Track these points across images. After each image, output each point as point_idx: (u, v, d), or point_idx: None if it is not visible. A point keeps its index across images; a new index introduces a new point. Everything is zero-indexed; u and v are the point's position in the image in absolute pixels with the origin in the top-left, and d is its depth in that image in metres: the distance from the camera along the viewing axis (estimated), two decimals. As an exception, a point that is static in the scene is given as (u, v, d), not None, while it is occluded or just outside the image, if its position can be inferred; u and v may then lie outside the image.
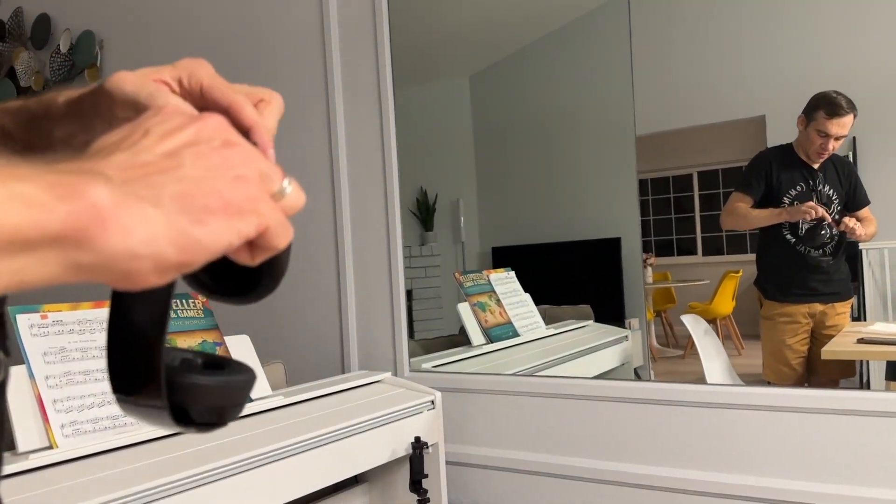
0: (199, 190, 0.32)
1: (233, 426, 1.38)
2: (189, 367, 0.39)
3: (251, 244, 0.35)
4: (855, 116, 1.62)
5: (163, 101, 0.41)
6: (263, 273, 0.39)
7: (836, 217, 1.68)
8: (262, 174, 0.36)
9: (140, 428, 1.29)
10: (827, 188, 1.69)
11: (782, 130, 1.74)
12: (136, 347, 0.36)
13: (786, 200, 1.73)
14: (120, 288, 0.32)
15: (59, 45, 2.79)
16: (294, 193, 0.38)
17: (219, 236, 0.32)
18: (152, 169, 0.32)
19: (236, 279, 0.39)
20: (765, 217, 1.75)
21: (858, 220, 1.65)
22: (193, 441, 1.29)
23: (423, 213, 2.35)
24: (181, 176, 0.33)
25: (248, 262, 0.36)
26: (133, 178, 0.31)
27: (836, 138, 1.65)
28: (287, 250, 0.38)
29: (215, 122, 0.36)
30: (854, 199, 1.66)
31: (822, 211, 1.67)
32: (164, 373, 0.36)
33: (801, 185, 1.71)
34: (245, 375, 0.40)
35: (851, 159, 1.67)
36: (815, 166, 1.69)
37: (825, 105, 1.63)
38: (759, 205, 1.76)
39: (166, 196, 0.31)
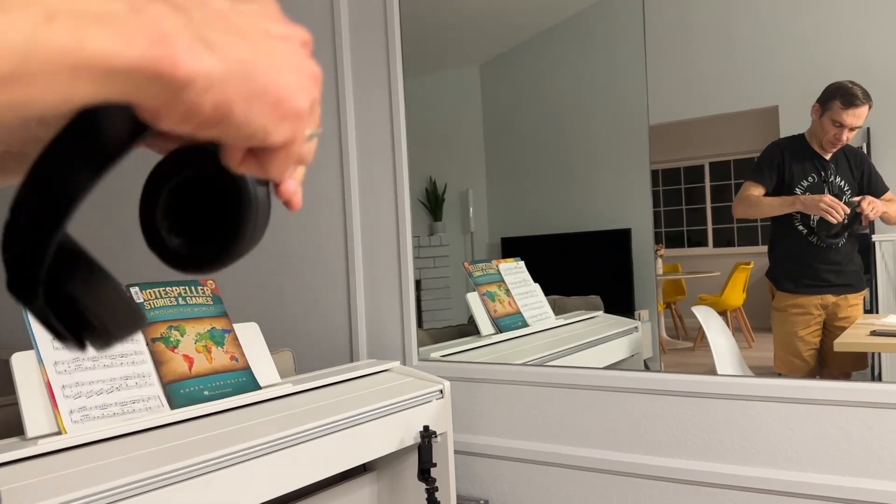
0: (266, 73, 0.32)
1: (242, 413, 1.37)
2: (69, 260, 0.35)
3: (253, 153, 0.35)
4: (870, 107, 1.60)
5: None
6: (238, 228, 0.37)
7: (848, 205, 1.66)
8: (314, 103, 0.36)
9: (149, 415, 1.29)
10: (838, 179, 1.67)
11: (795, 121, 1.72)
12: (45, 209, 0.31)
13: (798, 191, 1.71)
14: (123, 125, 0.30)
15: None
16: (313, 145, 0.38)
17: (254, 124, 0.32)
18: (237, 28, 0.32)
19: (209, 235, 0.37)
20: (778, 205, 1.73)
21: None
22: (202, 428, 1.29)
23: (432, 203, 2.34)
24: (260, 51, 0.32)
25: (237, 165, 0.35)
26: (213, 25, 0.31)
27: (851, 129, 1.63)
28: (265, 214, 0.37)
29: (307, 36, 0.36)
30: (871, 187, 1.64)
31: (839, 208, 1.65)
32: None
33: (812, 176, 1.70)
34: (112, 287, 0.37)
35: (865, 150, 1.65)
36: (827, 157, 1.68)
37: (841, 95, 1.61)
38: (770, 195, 1.75)
39: (236, 57, 0.31)
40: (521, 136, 2.22)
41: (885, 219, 1.64)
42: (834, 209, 1.66)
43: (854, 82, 1.61)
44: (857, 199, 1.65)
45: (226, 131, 0.32)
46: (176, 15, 0.29)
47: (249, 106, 0.32)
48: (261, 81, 0.32)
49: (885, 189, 1.63)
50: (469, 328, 2.09)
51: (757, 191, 1.77)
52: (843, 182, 1.67)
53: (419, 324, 2.13)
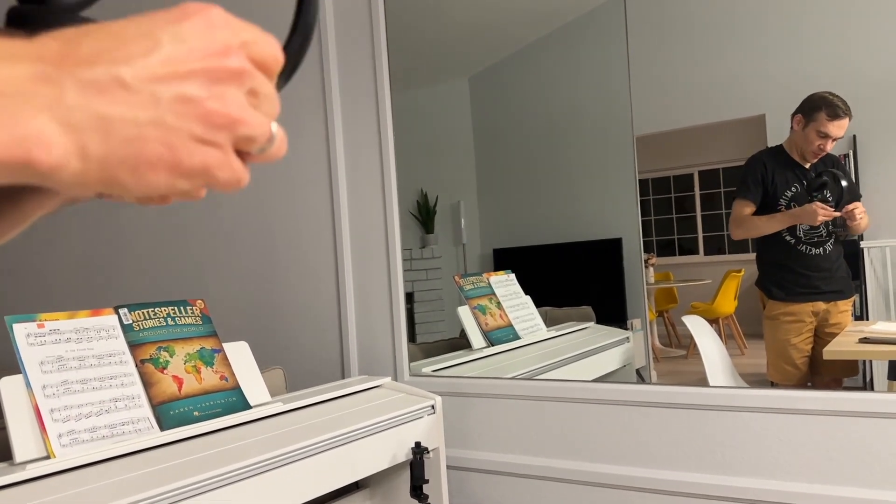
0: (157, 142, 0.31)
1: (232, 433, 1.37)
2: None
3: None
4: (850, 119, 1.62)
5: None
6: None
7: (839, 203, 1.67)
8: (245, 138, 0.34)
9: (139, 437, 1.28)
10: (832, 171, 1.69)
11: (782, 129, 1.73)
12: None
13: (782, 201, 1.72)
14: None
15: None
16: (277, 146, 0.37)
17: (148, 188, 0.32)
18: (127, 100, 0.31)
19: None
20: (776, 223, 1.75)
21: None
22: (192, 449, 1.29)
23: (423, 215, 2.34)
24: (152, 120, 0.31)
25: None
26: (101, 97, 0.30)
27: (834, 139, 1.65)
28: None
29: (241, 62, 0.34)
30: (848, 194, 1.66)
31: (832, 213, 1.67)
32: None
33: (795, 186, 1.71)
34: None
35: (851, 158, 1.66)
36: (807, 166, 1.69)
37: (827, 106, 1.63)
38: (759, 209, 1.76)
39: (120, 137, 0.31)
40: (511, 148, 2.23)
41: (854, 228, 1.65)
42: (827, 216, 1.67)
43: (835, 94, 1.62)
44: (850, 206, 1.66)
45: (123, 194, 0.32)
46: (47, 105, 0.29)
47: (139, 176, 0.31)
48: (150, 152, 0.31)
49: (859, 196, 1.64)
50: (461, 342, 2.08)
51: (748, 209, 1.78)
52: (825, 190, 1.68)
53: (412, 337, 2.13)
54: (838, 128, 1.64)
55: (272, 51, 0.37)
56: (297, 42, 0.39)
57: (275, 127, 0.36)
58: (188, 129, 0.32)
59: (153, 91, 0.31)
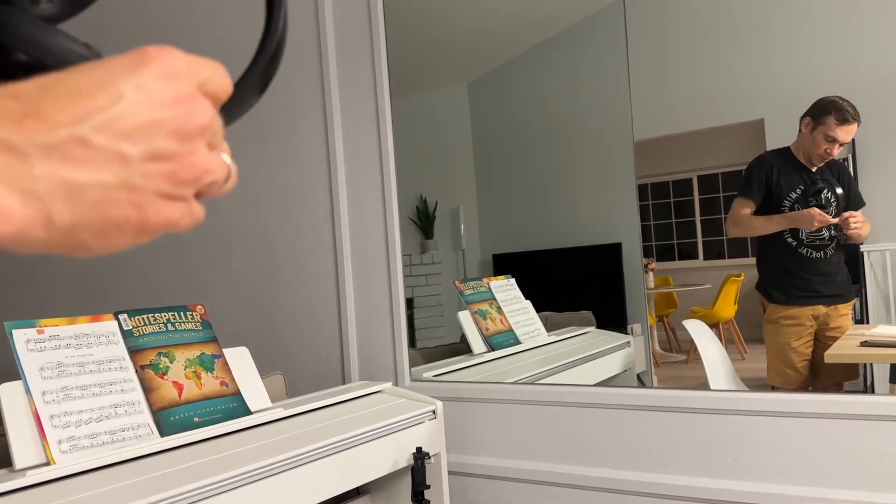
0: (122, 204, 0.31)
1: (233, 439, 1.36)
2: None
3: None
4: (858, 125, 1.62)
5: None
6: None
7: (837, 208, 1.68)
8: (209, 184, 0.35)
9: (139, 443, 1.28)
10: (826, 189, 1.69)
11: (781, 134, 1.73)
12: None
13: (786, 203, 1.72)
14: None
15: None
16: (232, 179, 0.37)
17: (112, 248, 0.32)
18: (93, 162, 0.30)
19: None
20: (772, 224, 1.75)
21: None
22: (193, 455, 1.28)
23: (423, 220, 2.34)
24: (120, 182, 0.30)
25: None
26: (67, 164, 0.29)
27: (842, 144, 1.65)
28: None
29: (207, 113, 0.34)
30: (849, 201, 1.66)
31: (828, 219, 1.67)
32: None
33: (800, 188, 1.71)
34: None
35: (851, 162, 1.67)
36: (813, 169, 1.69)
37: (836, 110, 1.63)
38: (760, 209, 1.76)
39: (87, 202, 0.30)
40: (511, 153, 2.23)
41: (855, 236, 1.66)
42: (824, 222, 1.68)
43: (844, 98, 1.62)
44: (845, 214, 1.66)
45: (84, 253, 0.31)
46: (10, 176, 0.28)
47: (105, 239, 0.31)
48: (117, 215, 0.31)
49: (862, 204, 1.64)
50: (462, 347, 2.08)
51: (747, 209, 1.78)
52: (829, 194, 1.68)
53: (412, 343, 2.13)
54: (847, 132, 1.64)
55: (225, 84, 0.36)
56: (253, 80, 0.39)
57: (229, 159, 0.36)
58: (156, 187, 0.31)
59: (120, 149, 0.31)
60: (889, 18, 1.58)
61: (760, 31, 1.75)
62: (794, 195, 1.71)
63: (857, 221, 1.64)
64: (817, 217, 1.68)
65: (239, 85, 0.37)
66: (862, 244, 1.66)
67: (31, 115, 0.29)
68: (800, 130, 1.70)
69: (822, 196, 1.68)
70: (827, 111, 1.64)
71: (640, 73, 1.91)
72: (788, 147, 1.73)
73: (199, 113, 0.33)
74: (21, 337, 1.26)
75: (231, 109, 0.37)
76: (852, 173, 1.67)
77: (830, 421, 1.51)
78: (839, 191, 1.67)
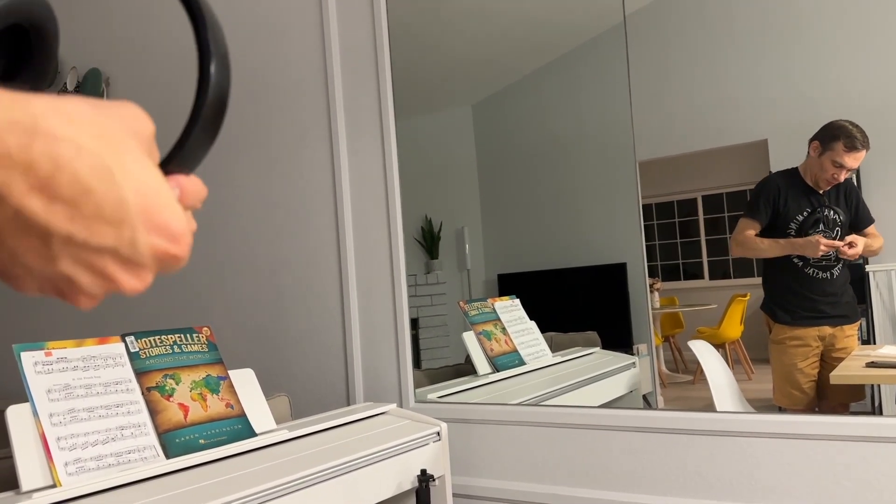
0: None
1: (238, 461, 1.37)
2: None
3: None
4: (867, 151, 1.62)
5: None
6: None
7: (842, 234, 1.68)
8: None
9: (145, 465, 1.28)
10: (832, 212, 1.69)
11: (785, 154, 1.74)
12: None
13: (793, 225, 1.72)
14: None
15: (66, 82, 2.84)
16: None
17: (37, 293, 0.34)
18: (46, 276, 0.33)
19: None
20: (778, 249, 1.75)
21: (865, 235, 1.65)
22: (198, 477, 1.29)
23: (428, 241, 2.35)
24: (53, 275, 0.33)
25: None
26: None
27: (849, 170, 1.65)
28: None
29: (179, 244, 0.35)
30: (858, 218, 1.66)
31: (833, 243, 1.67)
32: None
33: (807, 211, 1.71)
34: None
35: (855, 180, 1.67)
36: (820, 192, 1.70)
37: (845, 137, 1.63)
38: (766, 230, 1.76)
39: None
40: (515, 174, 2.25)
41: (866, 252, 1.65)
42: (829, 249, 1.68)
43: (855, 124, 1.62)
44: (839, 242, 1.66)
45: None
46: None
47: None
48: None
49: (871, 221, 1.64)
50: (466, 367, 2.08)
51: (752, 229, 1.78)
52: (836, 214, 1.68)
53: (417, 363, 2.13)
54: (855, 159, 1.64)
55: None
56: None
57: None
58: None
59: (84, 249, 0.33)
60: (891, 38, 1.59)
61: (762, 52, 1.77)
62: (800, 217, 1.72)
63: (857, 251, 1.64)
64: (822, 245, 1.68)
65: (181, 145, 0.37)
66: (867, 263, 1.66)
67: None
68: (808, 153, 1.70)
69: (824, 223, 1.68)
70: (836, 137, 1.64)
71: (643, 95, 1.93)
72: (796, 168, 1.73)
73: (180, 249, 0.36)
74: (29, 359, 1.27)
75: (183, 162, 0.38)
76: (863, 199, 1.67)
77: (837, 443, 1.50)
78: (842, 218, 1.67)
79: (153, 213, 0.33)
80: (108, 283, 0.33)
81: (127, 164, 0.32)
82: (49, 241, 0.31)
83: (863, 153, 1.63)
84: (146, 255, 0.33)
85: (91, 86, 2.77)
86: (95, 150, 0.31)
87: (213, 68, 0.37)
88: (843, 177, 1.66)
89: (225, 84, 0.38)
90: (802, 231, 1.71)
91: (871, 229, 1.65)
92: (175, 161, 0.37)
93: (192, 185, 0.37)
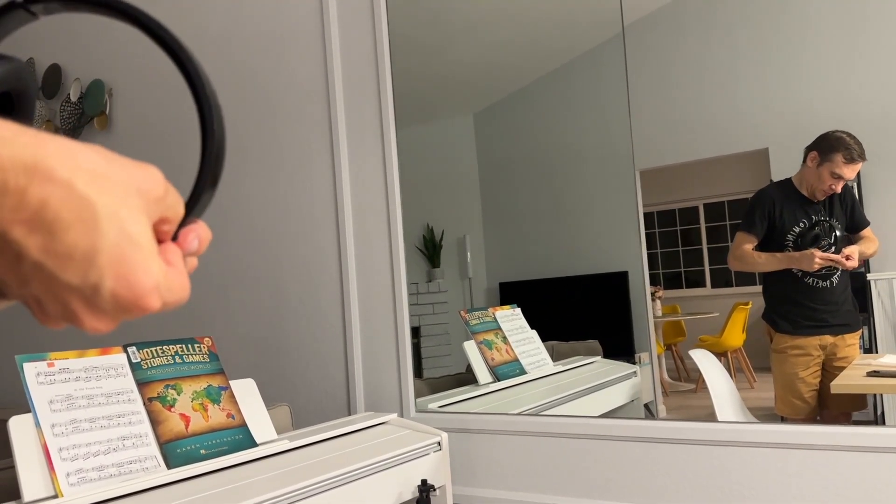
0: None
1: (239, 471, 1.37)
2: None
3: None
4: (864, 162, 1.63)
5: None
6: None
7: (840, 243, 1.68)
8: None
9: (146, 475, 1.29)
10: (828, 221, 1.69)
11: (786, 163, 1.74)
12: None
13: (790, 237, 1.73)
14: None
15: (69, 94, 2.85)
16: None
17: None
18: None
19: None
20: (775, 263, 1.75)
21: (861, 237, 1.65)
22: (199, 488, 1.29)
23: (429, 249, 2.36)
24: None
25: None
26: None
27: (846, 181, 1.66)
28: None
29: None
30: (854, 222, 1.67)
31: (829, 256, 1.67)
32: None
33: (804, 222, 1.71)
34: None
35: (856, 189, 1.67)
36: (816, 202, 1.70)
37: (844, 149, 1.63)
38: (763, 242, 1.76)
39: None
40: (517, 182, 2.25)
41: (863, 257, 1.66)
42: (825, 263, 1.68)
43: (852, 136, 1.63)
44: (835, 256, 1.67)
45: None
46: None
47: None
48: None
49: (867, 223, 1.65)
50: (467, 377, 2.08)
51: (749, 243, 1.79)
52: (833, 220, 1.69)
53: (419, 372, 2.13)
54: (853, 171, 1.65)
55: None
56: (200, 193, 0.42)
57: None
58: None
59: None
60: (890, 47, 1.60)
61: (762, 62, 1.77)
62: (797, 229, 1.72)
63: (854, 262, 1.65)
64: (818, 258, 1.69)
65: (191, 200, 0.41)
66: (868, 272, 1.66)
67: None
68: (804, 163, 1.70)
69: (822, 238, 1.68)
70: (835, 148, 1.64)
71: (643, 104, 1.93)
72: (790, 179, 1.73)
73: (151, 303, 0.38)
74: (31, 370, 1.28)
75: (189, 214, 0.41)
76: (858, 202, 1.67)
77: (838, 453, 1.50)
78: (838, 233, 1.68)
79: (124, 267, 0.34)
80: (70, 316, 0.36)
81: (118, 215, 0.34)
82: (22, 264, 0.34)
83: (860, 165, 1.64)
84: (108, 302, 0.35)
85: (94, 97, 2.79)
86: (87, 196, 0.33)
87: (214, 125, 0.41)
88: (839, 188, 1.67)
89: (223, 136, 0.42)
90: (800, 242, 1.72)
91: (867, 231, 1.65)
92: (192, 213, 0.40)
93: (205, 232, 0.40)
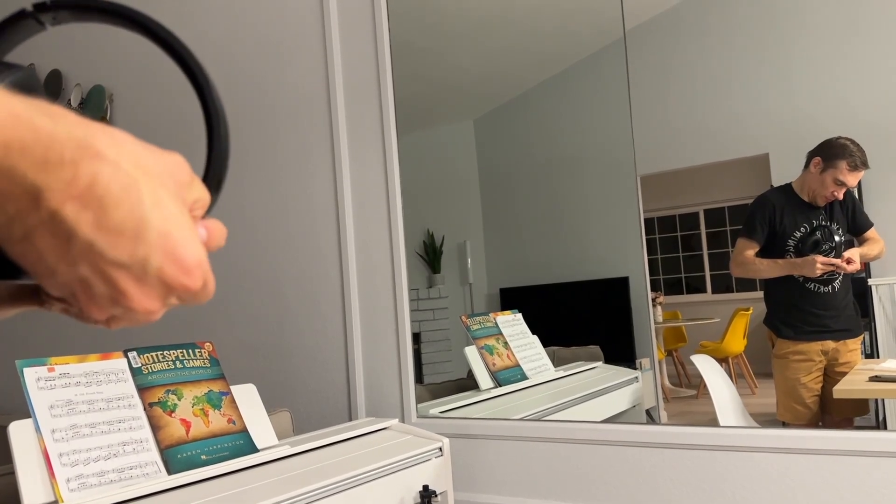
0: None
1: (240, 477, 1.37)
2: None
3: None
4: (866, 169, 1.63)
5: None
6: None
7: (842, 248, 1.68)
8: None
9: (146, 481, 1.28)
10: (830, 226, 1.69)
11: (786, 168, 1.74)
12: None
13: (791, 242, 1.73)
14: None
15: (69, 99, 2.86)
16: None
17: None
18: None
19: None
20: (777, 269, 1.75)
21: (864, 240, 1.65)
22: (200, 493, 1.28)
23: (430, 255, 2.36)
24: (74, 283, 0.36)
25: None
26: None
27: (849, 188, 1.66)
28: None
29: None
30: (856, 224, 1.66)
31: (830, 261, 1.67)
32: None
33: (805, 227, 1.71)
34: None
35: (857, 194, 1.67)
36: (817, 206, 1.70)
37: (849, 156, 1.64)
38: (764, 248, 1.76)
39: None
40: (517, 188, 2.25)
41: (866, 259, 1.66)
42: (827, 269, 1.68)
43: (856, 143, 1.63)
44: (836, 260, 1.67)
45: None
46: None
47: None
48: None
49: (870, 225, 1.65)
50: (469, 382, 2.08)
51: (751, 250, 1.79)
52: (834, 225, 1.69)
53: (420, 378, 2.13)
54: (856, 178, 1.65)
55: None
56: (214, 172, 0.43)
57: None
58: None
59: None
60: (889, 50, 1.60)
61: (763, 67, 1.78)
62: (798, 234, 1.72)
63: (856, 266, 1.65)
64: (819, 264, 1.69)
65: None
66: (869, 276, 1.66)
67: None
68: (806, 167, 1.70)
69: (823, 243, 1.68)
70: (839, 155, 1.65)
71: (644, 109, 1.94)
72: (790, 184, 1.73)
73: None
74: (32, 375, 1.28)
75: None
76: (859, 203, 1.67)
77: (841, 458, 1.49)
78: (838, 238, 1.68)
79: (171, 242, 0.36)
80: (119, 296, 0.36)
81: (158, 195, 0.36)
82: (72, 244, 0.34)
83: (863, 172, 1.64)
84: (155, 278, 0.36)
85: (95, 102, 2.79)
86: (133, 174, 0.35)
87: (221, 129, 0.43)
88: (842, 194, 1.67)
89: (228, 140, 0.44)
90: (801, 247, 1.72)
91: (870, 233, 1.65)
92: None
93: (218, 226, 0.42)
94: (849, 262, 1.65)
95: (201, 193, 0.40)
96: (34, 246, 0.34)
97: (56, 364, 1.31)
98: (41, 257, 0.35)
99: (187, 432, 1.39)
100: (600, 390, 1.98)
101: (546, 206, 2.19)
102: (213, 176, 0.42)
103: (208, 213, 0.42)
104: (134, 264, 0.35)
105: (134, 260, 0.35)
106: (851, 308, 1.69)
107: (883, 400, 1.63)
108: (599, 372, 2.05)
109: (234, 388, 1.53)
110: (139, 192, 0.35)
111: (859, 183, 1.66)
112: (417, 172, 2.17)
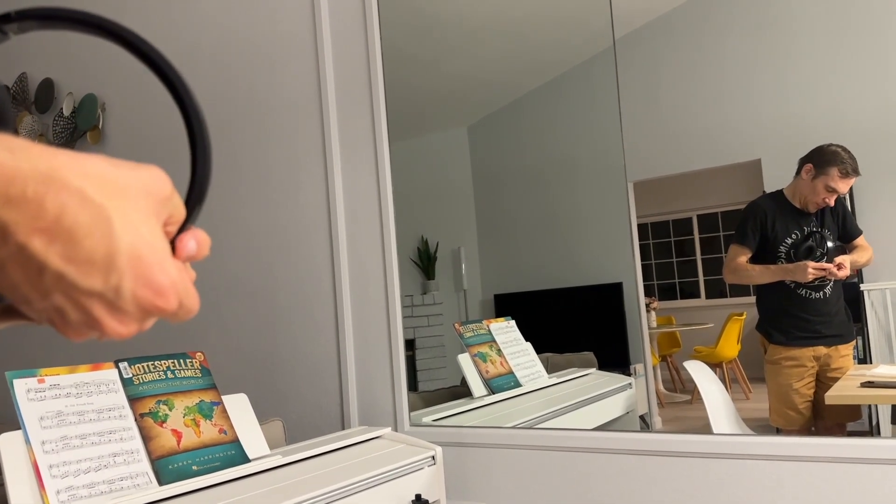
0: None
1: (231, 487, 1.36)
2: None
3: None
4: (858, 176, 1.64)
5: None
6: None
7: (833, 254, 1.68)
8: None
9: (137, 492, 1.28)
10: (821, 232, 1.70)
11: (778, 173, 1.75)
12: None
13: (782, 248, 1.73)
14: None
15: (62, 108, 2.85)
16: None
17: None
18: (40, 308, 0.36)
19: None
20: (769, 275, 1.76)
21: (854, 247, 1.66)
22: (190, 504, 1.28)
23: (424, 261, 2.35)
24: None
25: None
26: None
27: (839, 195, 1.67)
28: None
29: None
30: (846, 231, 1.67)
31: (822, 266, 1.67)
32: None
33: (796, 233, 1.72)
34: None
35: (848, 201, 1.68)
36: (808, 213, 1.71)
37: (840, 163, 1.64)
38: (756, 254, 1.77)
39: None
40: (511, 194, 2.25)
41: (856, 266, 1.66)
42: (819, 274, 1.69)
43: (847, 150, 1.64)
44: (827, 265, 1.67)
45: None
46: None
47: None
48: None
49: (859, 232, 1.65)
50: (462, 390, 2.08)
51: (744, 256, 1.79)
52: (825, 231, 1.69)
53: (414, 385, 2.12)
54: (847, 185, 1.66)
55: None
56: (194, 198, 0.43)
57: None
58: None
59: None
60: (880, 57, 1.61)
61: (754, 73, 1.78)
62: (789, 240, 1.72)
63: (846, 272, 1.65)
64: (811, 269, 1.69)
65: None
66: (861, 282, 1.66)
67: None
68: (798, 174, 1.71)
69: (814, 249, 1.69)
70: (830, 162, 1.65)
71: (636, 116, 1.94)
72: (782, 191, 1.74)
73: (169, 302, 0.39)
74: (22, 387, 1.27)
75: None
76: (849, 211, 1.68)
77: (833, 465, 1.50)
78: (830, 244, 1.68)
79: (142, 266, 0.36)
80: (93, 323, 0.36)
81: (129, 218, 0.36)
82: (43, 276, 0.34)
83: (854, 179, 1.65)
84: (130, 303, 0.36)
85: (87, 111, 2.78)
86: (100, 203, 0.35)
87: (202, 131, 0.43)
88: (833, 201, 1.67)
89: (209, 142, 0.44)
90: (792, 253, 1.72)
91: (860, 240, 1.66)
92: (187, 222, 0.42)
93: (203, 237, 0.42)
94: (840, 267, 1.65)
95: (179, 207, 0.40)
96: (7, 277, 0.34)
97: (46, 375, 1.31)
98: (15, 287, 0.35)
99: (178, 443, 1.39)
100: (594, 397, 1.98)
101: (540, 213, 2.19)
102: (197, 181, 0.42)
103: (194, 222, 0.42)
104: (107, 291, 0.35)
105: (107, 287, 0.35)
106: (843, 314, 1.69)
107: (875, 405, 1.64)
108: (593, 378, 2.04)
109: (226, 398, 1.53)
110: (108, 219, 0.35)
111: (851, 189, 1.66)
112: (412, 179, 2.17)
